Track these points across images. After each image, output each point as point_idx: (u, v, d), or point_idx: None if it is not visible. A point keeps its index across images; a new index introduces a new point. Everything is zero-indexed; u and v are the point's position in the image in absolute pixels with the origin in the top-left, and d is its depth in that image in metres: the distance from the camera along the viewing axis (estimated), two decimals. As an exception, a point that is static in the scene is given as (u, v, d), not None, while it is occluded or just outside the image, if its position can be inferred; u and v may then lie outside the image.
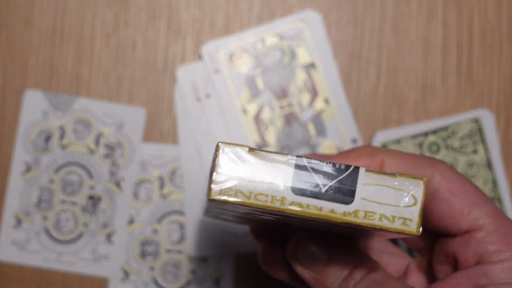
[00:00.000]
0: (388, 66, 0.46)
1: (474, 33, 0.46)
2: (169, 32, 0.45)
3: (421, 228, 0.24)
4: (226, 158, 0.24)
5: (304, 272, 0.29)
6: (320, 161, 0.24)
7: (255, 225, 0.35)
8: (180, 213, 0.45)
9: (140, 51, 0.45)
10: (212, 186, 0.24)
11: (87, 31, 0.45)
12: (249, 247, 0.45)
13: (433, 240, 0.29)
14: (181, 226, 0.45)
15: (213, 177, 0.24)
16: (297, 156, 0.24)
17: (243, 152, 0.24)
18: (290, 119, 0.45)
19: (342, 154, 0.30)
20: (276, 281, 0.45)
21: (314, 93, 0.45)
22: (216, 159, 0.24)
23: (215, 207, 0.28)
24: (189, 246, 0.45)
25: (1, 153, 0.45)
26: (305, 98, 0.45)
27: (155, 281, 0.45)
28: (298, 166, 0.24)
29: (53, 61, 0.45)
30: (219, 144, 0.24)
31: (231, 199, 0.24)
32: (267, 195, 0.24)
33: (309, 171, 0.24)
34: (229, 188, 0.24)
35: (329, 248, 0.29)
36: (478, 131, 0.46)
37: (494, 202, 0.27)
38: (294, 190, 0.24)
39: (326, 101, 0.45)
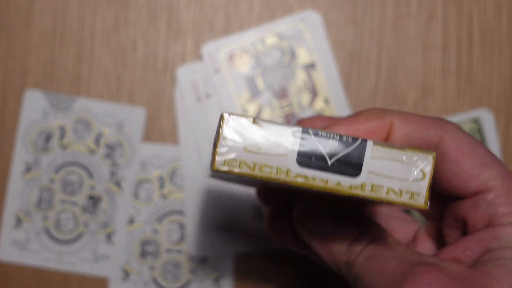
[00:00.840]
0: (388, 66, 0.46)
1: (474, 33, 0.46)
2: (170, 32, 0.45)
3: (429, 202, 0.23)
4: (230, 128, 0.23)
5: (310, 238, 0.29)
6: (327, 133, 0.24)
7: (261, 188, 0.34)
8: (180, 213, 0.45)
9: (141, 51, 0.45)
10: (216, 157, 0.23)
11: (87, 31, 0.45)
12: (249, 247, 0.45)
13: (443, 205, 0.29)
14: (181, 226, 0.45)
15: (217, 148, 0.23)
16: (303, 128, 0.24)
17: (248, 123, 0.24)
18: (290, 119, 0.45)
19: (351, 118, 0.29)
20: (276, 281, 0.45)
21: (314, 93, 0.45)
22: (220, 129, 0.23)
23: (219, 176, 0.27)
24: (189, 246, 0.45)
25: (1, 153, 0.45)
26: (305, 98, 0.45)
27: (155, 281, 0.45)
28: (303, 138, 0.24)
29: (53, 61, 0.45)
30: (224, 114, 0.24)
31: (235, 170, 0.23)
32: (271, 167, 0.23)
33: (315, 143, 0.24)
34: (233, 159, 0.23)
35: (336, 215, 0.28)
36: (477, 131, 0.46)
37: (502, 164, 0.26)
38: (299, 162, 0.23)
39: (326, 101, 0.45)
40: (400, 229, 0.32)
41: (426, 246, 0.30)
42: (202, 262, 0.45)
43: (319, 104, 0.45)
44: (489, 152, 0.27)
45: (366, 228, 0.28)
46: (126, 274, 0.45)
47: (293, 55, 0.45)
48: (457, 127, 0.27)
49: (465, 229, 0.27)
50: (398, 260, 0.25)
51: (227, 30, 0.46)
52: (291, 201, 0.31)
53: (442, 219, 0.29)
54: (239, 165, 0.23)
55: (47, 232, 0.45)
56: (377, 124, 0.28)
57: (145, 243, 0.45)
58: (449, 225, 0.28)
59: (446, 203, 0.28)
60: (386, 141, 0.28)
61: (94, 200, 0.45)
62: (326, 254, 0.28)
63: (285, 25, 0.45)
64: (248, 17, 0.46)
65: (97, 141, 0.45)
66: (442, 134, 0.27)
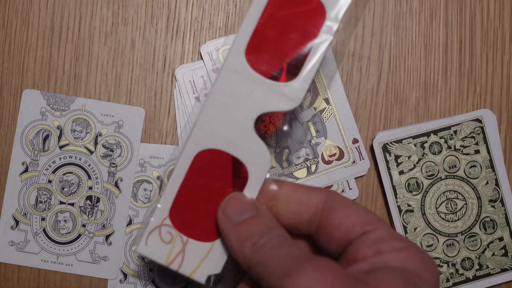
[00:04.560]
0: (390, 65, 0.46)
1: (476, 33, 0.46)
2: (168, 31, 0.45)
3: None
4: None
5: (225, 223, 0.34)
6: None
7: None
8: (179, 214, 0.45)
9: (139, 51, 0.45)
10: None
11: (85, 31, 0.45)
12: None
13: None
14: (180, 227, 0.45)
15: None
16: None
17: None
18: (290, 119, 0.45)
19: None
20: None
21: (314, 93, 0.45)
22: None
23: None
24: (188, 247, 0.44)
25: (-1, 153, 0.45)
26: (306, 98, 0.45)
27: (154, 283, 0.44)
28: None
29: (51, 60, 0.45)
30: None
31: None
32: None
33: None
34: None
35: (259, 206, 0.35)
36: (480, 131, 0.45)
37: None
38: None
39: (327, 101, 0.45)
40: (301, 210, 0.38)
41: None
42: (201, 263, 0.45)
43: (319, 104, 0.45)
44: (361, 205, 0.35)
45: (275, 224, 0.34)
46: (125, 275, 0.44)
47: (293, 54, 0.45)
48: (336, 193, 0.36)
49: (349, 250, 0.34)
50: (296, 254, 0.31)
51: (227, 29, 0.45)
52: None
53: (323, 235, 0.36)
54: None
55: (45, 233, 0.44)
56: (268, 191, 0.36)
57: (143, 244, 0.45)
58: (329, 239, 0.35)
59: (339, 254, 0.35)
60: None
61: (92, 201, 0.45)
62: (237, 236, 0.33)
63: (285, 24, 0.45)
64: (248, 16, 0.45)
65: (95, 141, 0.45)
66: (326, 195, 0.35)
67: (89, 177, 0.45)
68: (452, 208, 0.45)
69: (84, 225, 0.44)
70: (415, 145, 0.45)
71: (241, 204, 0.35)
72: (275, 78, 0.34)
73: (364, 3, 0.45)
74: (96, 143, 0.45)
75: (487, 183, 0.45)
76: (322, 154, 0.45)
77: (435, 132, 0.45)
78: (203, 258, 0.36)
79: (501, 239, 0.45)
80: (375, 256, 0.33)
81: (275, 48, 0.35)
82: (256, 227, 0.33)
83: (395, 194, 0.45)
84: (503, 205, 0.45)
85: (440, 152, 0.45)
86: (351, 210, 0.35)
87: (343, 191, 0.45)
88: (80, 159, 0.45)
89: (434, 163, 0.45)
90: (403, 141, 0.45)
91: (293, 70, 0.35)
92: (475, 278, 0.45)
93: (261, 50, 0.34)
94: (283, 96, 0.34)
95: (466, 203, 0.45)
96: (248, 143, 0.35)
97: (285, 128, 0.45)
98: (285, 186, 0.36)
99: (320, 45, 0.34)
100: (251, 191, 0.35)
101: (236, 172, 0.36)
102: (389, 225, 0.34)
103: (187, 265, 0.36)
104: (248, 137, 0.35)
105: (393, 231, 0.34)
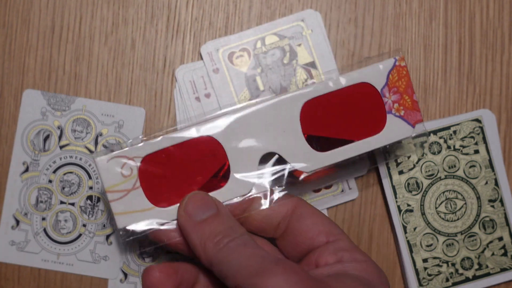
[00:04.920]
0: (389, 65, 0.46)
1: (475, 33, 0.46)
2: (169, 31, 0.45)
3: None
4: None
5: (187, 221, 0.35)
6: None
7: None
8: (180, 213, 0.45)
9: (139, 51, 0.45)
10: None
11: (85, 31, 0.45)
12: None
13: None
14: (181, 227, 0.45)
15: None
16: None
17: None
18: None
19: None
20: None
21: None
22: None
23: None
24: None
25: (0, 153, 0.45)
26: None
27: (154, 282, 0.44)
28: None
29: (51, 60, 0.45)
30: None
31: None
32: None
33: None
34: None
35: (218, 205, 0.36)
36: (479, 131, 0.45)
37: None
38: None
39: (327, 101, 0.45)
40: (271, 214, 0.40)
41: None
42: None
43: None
44: (328, 217, 0.39)
45: (235, 224, 0.35)
46: (125, 275, 0.45)
47: (293, 54, 0.45)
48: (305, 201, 0.38)
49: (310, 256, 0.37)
50: (263, 254, 0.32)
51: (227, 29, 0.45)
52: None
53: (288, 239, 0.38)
54: None
55: (46, 233, 0.45)
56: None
57: (144, 244, 0.45)
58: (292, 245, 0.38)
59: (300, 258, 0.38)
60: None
61: (92, 201, 0.45)
62: (199, 235, 0.34)
63: (285, 24, 0.45)
64: (248, 16, 0.45)
65: (96, 141, 0.45)
66: (296, 202, 0.38)
67: (90, 177, 0.45)
68: (451, 208, 0.45)
69: (84, 225, 0.45)
70: (414, 145, 0.45)
71: (203, 202, 0.36)
72: (311, 143, 0.38)
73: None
74: (96, 143, 0.45)
75: (486, 183, 0.45)
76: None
77: (435, 132, 0.45)
78: (137, 211, 0.36)
79: (500, 238, 0.45)
80: (336, 264, 0.35)
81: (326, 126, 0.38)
82: (218, 226, 0.34)
83: (395, 194, 0.45)
84: (502, 205, 0.45)
85: (439, 152, 0.45)
86: (318, 219, 0.37)
87: (342, 191, 0.45)
88: (80, 159, 0.45)
89: (434, 163, 0.45)
90: (403, 141, 0.45)
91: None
92: (475, 277, 0.45)
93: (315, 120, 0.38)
94: (303, 160, 0.37)
95: (465, 203, 0.45)
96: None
97: None
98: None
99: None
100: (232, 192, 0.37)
101: (218, 172, 0.37)
102: (350, 238, 0.37)
103: (120, 204, 0.36)
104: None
105: (354, 244, 0.37)
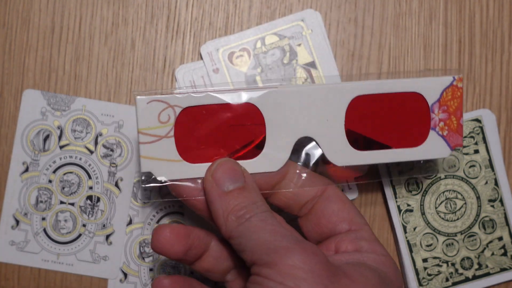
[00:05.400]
0: (389, 65, 0.46)
1: (475, 33, 0.46)
2: (168, 31, 0.45)
3: None
4: None
5: (212, 188, 0.34)
6: None
7: None
8: (180, 213, 0.45)
9: (139, 51, 0.45)
10: None
11: (85, 31, 0.45)
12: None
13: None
14: (181, 227, 0.45)
15: None
16: None
17: None
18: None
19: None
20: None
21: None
22: None
23: None
24: (188, 247, 0.44)
25: (0, 153, 0.45)
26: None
27: (154, 282, 0.44)
28: None
29: (51, 60, 0.45)
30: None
31: None
32: None
33: None
34: None
35: (246, 177, 0.35)
36: (479, 131, 0.45)
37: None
38: None
39: (327, 101, 0.45)
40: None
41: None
42: (201, 263, 0.45)
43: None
44: (356, 207, 0.38)
45: (261, 198, 0.35)
46: (125, 275, 0.45)
47: (293, 54, 0.45)
48: (333, 183, 0.38)
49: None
50: (284, 233, 0.32)
51: (227, 29, 0.45)
52: None
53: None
54: None
55: (45, 233, 0.45)
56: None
57: (144, 244, 0.45)
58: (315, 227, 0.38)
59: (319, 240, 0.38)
60: None
61: (92, 200, 0.45)
62: (223, 206, 0.34)
63: (285, 24, 0.45)
64: (248, 16, 0.45)
65: (96, 141, 0.45)
66: (326, 184, 0.38)
67: (90, 177, 0.45)
68: (451, 207, 0.45)
69: (84, 225, 0.45)
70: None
71: (231, 171, 0.35)
72: (349, 139, 0.38)
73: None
74: (96, 143, 0.45)
75: (486, 182, 0.45)
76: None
77: (435, 132, 0.45)
78: (163, 160, 0.36)
79: (500, 238, 0.45)
80: (355, 253, 0.35)
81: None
82: (243, 200, 0.34)
83: (395, 193, 0.45)
84: (502, 204, 0.45)
85: (439, 152, 0.45)
86: (345, 205, 0.37)
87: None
88: (80, 159, 0.45)
89: (434, 162, 0.45)
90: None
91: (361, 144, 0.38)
92: (475, 277, 0.45)
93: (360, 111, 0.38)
94: (337, 152, 0.38)
95: (465, 203, 0.45)
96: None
97: None
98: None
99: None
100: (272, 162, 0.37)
101: (252, 142, 0.37)
102: (372, 231, 0.37)
103: (149, 149, 0.36)
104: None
105: (376, 237, 0.36)
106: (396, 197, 0.45)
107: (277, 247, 0.31)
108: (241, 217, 0.33)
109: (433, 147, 0.38)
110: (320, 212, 0.37)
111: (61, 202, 0.45)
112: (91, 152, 0.45)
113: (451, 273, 0.45)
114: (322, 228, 0.37)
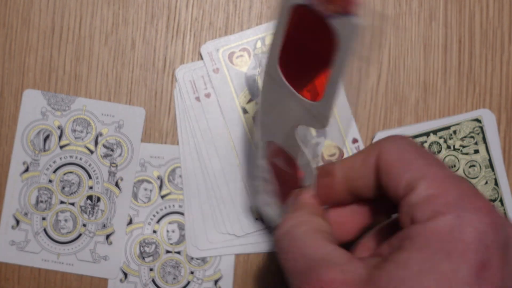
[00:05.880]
0: (389, 65, 0.46)
1: (475, 33, 0.46)
2: (169, 31, 0.45)
3: None
4: None
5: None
6: None
7: None
8: (180, 213, 0.45)
9: (139, 51, 0.45)
10: None
11: (86, 31, 0.45)
12: (249, 247, 0.44)
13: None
14: (181, 227, 0.45)
15: None
16: None
17: None
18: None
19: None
20: (276, 282, 0.45)
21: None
22: None
23: None
24: (188, 247, 0.45)
25: (0, 153, 0.45)
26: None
27: (154, 282, 0.44)
28: None
29: (51, 60, 0.45)
30: None
31: None
32: None
33: None
34: None
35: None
36: (479, 131, 0.45)
37: (435, 164, 0.28)
38: None
39: (327, 101, 0.45)
40: (351, 220, 0.34)
41: (370, 241, 0.33)
42: (201, 263, 0.45)
43: (319, 104, 0.45)
44: (423, 156, 0.28)
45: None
46: (125, 275, 0.45)
47: (293, 54, 0.45)
48: (391, 140, 0.30)
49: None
50: (315, 250, 0.28)
51: (227, 29, 0.45)
52: None
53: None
54: None
55: (46, 233, 0.45)
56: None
57: (144, 244, 0.45)
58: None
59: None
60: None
61: (92, 200, 0.45)
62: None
63: (285, 24, 0.45)
64: (248, 16, 0.45)
65: (96, 141, 0.45)
66: (378, 152, 0.30)
67: (90, 177, 0.45)
68: (451, 207, 0.45)
69: (84, 225, 0.45)
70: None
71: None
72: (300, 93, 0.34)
73: (379, 35, 0.46)
74: (96, 143, 0.45)
75: (486, 182, 0.45)
76: (322, 154, 0.45)
77: (435, 132, 0.45)
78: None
79: (500, 238, 0.45)
80: (404, 230, 0.27)
81: (298, 66, 0.35)
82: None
83: (395, 193, 0.45)
84: (502, 204, 0.45)
85: (439, 152, 0.45)
86: (394, 168, 0.29)
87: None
88: (80, 159, 0.45)
89: (434, 162, 0.45)
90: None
91: (314, 91, 0.35)
92: (475, 277, 0.45)
93: (288, 64, 0.34)
94: (313, 116, 0.34)
95: (465, 203, 0.45)
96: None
97: None
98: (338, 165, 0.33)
99: (338, 71, 0.34)
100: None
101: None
102: (439, 180, 0.28)
103: None
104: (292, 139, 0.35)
105: (435, 189, 0.27)
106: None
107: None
108: (287, 232, 0.32)
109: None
110: (382, 187, 0.30)
111: (61, 202, 0.45)
112: (92, 152, 0.45)
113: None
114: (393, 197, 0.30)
